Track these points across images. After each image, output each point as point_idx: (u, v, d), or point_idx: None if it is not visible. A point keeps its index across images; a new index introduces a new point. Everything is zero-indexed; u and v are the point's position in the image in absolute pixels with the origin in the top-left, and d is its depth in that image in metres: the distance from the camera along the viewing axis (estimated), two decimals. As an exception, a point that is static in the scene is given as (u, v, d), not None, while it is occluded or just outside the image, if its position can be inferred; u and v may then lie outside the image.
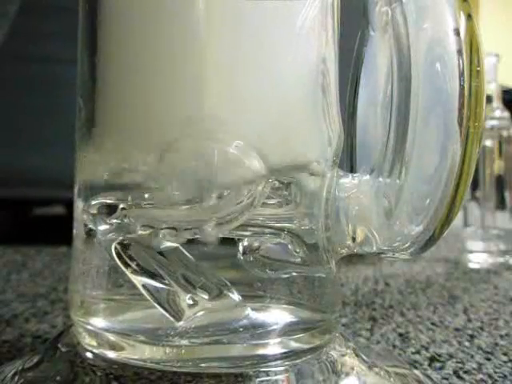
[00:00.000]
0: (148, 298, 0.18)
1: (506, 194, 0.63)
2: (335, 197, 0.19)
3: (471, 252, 0.61)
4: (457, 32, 0.17)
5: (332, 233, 0.19)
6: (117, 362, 0.18)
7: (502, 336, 0.33)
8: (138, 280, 0.18)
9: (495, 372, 0.26)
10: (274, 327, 0.18)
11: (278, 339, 0.18)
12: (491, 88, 0.62)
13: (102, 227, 0.18)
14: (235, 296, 0.18)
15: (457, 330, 0.34)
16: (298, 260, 0.18)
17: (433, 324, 0.35)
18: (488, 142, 0.63)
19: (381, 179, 0.18)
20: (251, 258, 0.18)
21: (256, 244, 0.18)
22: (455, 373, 0.26)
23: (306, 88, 0.19)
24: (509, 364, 0.28)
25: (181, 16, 0.17)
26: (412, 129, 0.17)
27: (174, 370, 0.17)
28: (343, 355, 0.19)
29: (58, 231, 0.53)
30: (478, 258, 0.60)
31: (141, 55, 0.18)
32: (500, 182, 0.63)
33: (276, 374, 0.17)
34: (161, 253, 0.18)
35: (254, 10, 0.17)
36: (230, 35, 0.18)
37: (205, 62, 0.17)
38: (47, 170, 0.66)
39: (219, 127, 0.17)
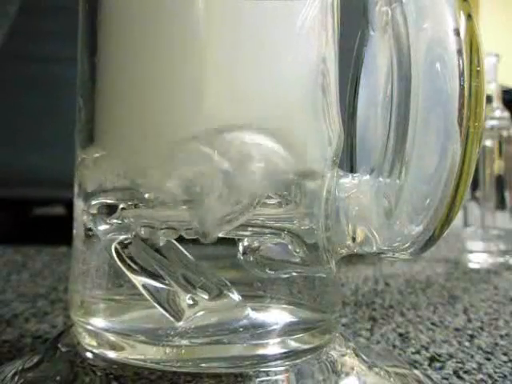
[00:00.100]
0: (148, 297, 0.18)
1: (506, 194, 0.63)
2: (335, 197, 0.19)
3: (471, 252, 0.61)
4: (457, 32, 0.17)
5: (332, 233, 0.19)
6: (117, 362, 0.18)
7: (502, 336, 0.33)
8: (138, 280, 0.18)
9: (495, 372, 0.26)
10: (274, 327, 0.18)
11: (278, 339, 0.18)
12: (491, 88, 0.62)
13: (102, 227, 0.18)
14: (235, 296, 0.18)
15: (457, 330, 0.34)
16: (298, 260, 0.18)
17: (433, 324, 0.35)
18: (488, 142, 0.62)
19: (381, 179, 0.18)
20: (251, 258, 0.18)
21: (256, 244, 0.18)
22: (455, 373, 0.26)
23: (306, 88, 0.19)
24: (509, 364, 0.28)
25: (181, 16, 0.17)
26: (412, 129, 0.17)
27: (174, 369, 0.17)
28: (343, 355, 0.19)
29: (58, 231, 0.53)
30: (478, 258, 0.60)
31: (141, 55, 0.18)
32: (500, 182, 0.63)
33: (276, 374, 0.17)
34: (161, 253, 0.18)
35: (254, 9, 0.17)
36: (230, 35, 0.18)
37: (205, 62, 0.17)
38: (47, 170, 0.66)
39: (219, 127, 0.17)
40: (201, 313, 0.17)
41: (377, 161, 0.18)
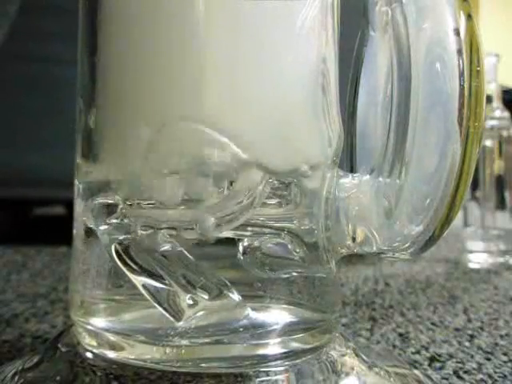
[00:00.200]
0: (148, 297, 0.18)
1: (506, 194, 0.63)
2: (335, 197, 0.19)
3: (471, 252, 0.61)
4: (457, 32, 0.17)
5: (332, 233, 0.19)
6: (117, 362, 0.18)
7: (502, 336, 0.33)
8: (138, 280, 0.18)
9: (495, 372, 0.26)
10: (274, 327, 0.18)
11: (278, 339, 0.18)
12: (491, 88, 0.62)
13: (102, 227, 0.18)
14: (235, 296, 0.18)
15: (457, 330, 0.34)
16: (298, 260, 0.18)
17: (433, 324, 0.35)
18: (488, 142, 0.63)
19: (381, 179, 0.18)
20: (251, 258, 0.18)
21: (256, 244, 0.18)
22: (455, 373, 0.26)
23: (306, 88, 0.19)
24: (509, 364, 0.28)
25: (180, 16, 0.17)
26: (412, 129, 0.17)
27: (174, 369, 0.17)
28: (343, 355, 0.19)
29: (58, 231, 0.53)
30: (478, 258, 0.60)
31: (140, 55, 0.18)
32: (500, 182, 0.63)
33: (276, 374, 0.17)
34: (161, 253, 0.18)
35: (254, 10, 0.17)
36: (230, 35, 0.18)
37: (204, 62, 0.17)
38: (47, 170, 0.66)
39: (219, 127, 0.17)
40: (201, 313, 0.17)
41: (377, 161, 0.18)
